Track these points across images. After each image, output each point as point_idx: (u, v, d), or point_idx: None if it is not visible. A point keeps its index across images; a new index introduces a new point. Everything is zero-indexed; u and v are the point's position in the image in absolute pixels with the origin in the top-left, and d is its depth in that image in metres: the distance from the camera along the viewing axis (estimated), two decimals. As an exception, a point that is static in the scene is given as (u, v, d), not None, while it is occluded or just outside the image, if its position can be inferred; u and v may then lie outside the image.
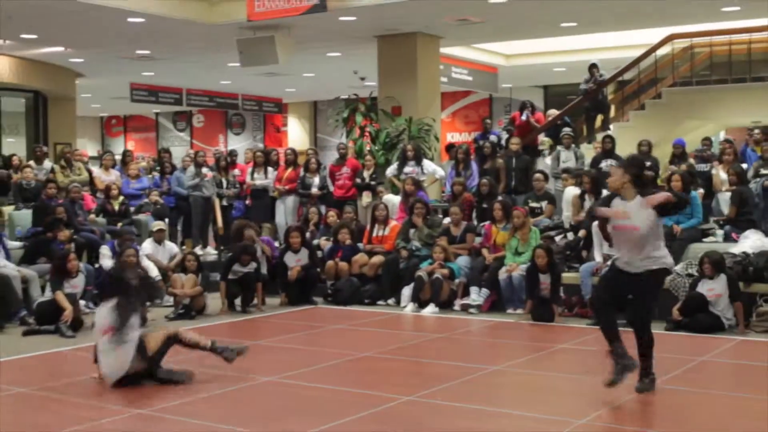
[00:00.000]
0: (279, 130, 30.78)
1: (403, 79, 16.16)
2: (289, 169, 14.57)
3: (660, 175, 13.48)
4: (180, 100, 24.62)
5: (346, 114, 16.64)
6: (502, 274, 10.86)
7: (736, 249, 10.18)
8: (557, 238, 11.58)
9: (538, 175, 12.54)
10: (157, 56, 18.72)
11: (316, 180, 14.34)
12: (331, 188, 14.35)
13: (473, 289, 11.01)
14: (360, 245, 12.33)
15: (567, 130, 14.46)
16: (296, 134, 30.08)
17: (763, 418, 5.94)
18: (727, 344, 8.63)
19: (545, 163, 14.33)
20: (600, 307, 6.59)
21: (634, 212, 6.39)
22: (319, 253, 12.31)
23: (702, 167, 12.95)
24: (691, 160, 13.25)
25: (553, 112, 16.70)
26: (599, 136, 15.02)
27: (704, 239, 10.96)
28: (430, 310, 10.88)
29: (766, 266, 9.71)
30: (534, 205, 12.30)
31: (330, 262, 12.03)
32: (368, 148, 15.89)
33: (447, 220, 12.35)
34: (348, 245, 12.16)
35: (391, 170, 14.13)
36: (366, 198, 14.01)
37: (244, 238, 11.31)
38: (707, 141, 15.14)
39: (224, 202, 14.64)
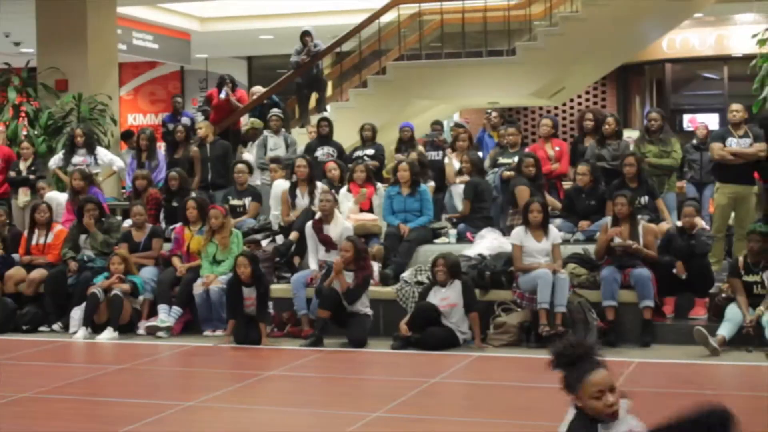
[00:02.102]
0: None
1: (69, 45, 15.74)
2: None
3: (386, 165, 14.01)
4: None
5: (-5, 89, 16.06)
6: (198, 288, 10.86)
7: (471, 251, 10.76)
8: (264, 243, 11.73)
9: (240, 166, 12.63)
10: None
11: (-45, 174, 13.75)
12: (-24, 184, 13.80)
13: (162, 308, 10.94)
14: (15, 256, 11.97)
15: (276, 111, 14.66)
16: (-72, 114, 28.53)
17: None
18: (463, 361, 9.11)
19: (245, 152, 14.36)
20: None
21: None
22: (-40, 268, 11.81)
23: (433, 155, 13.53)
24: (421, 147, 13.82)
25: (259, 89, 16.87)
26: (314, 119, 15.34)
27: (435, 240, 11.49)
28: (108, 335, 10.70)
29: (503, 270, 10.32)
30: (235, 202, 12.38)
31: (-25, 280, 11.58)
32: (25, 133, 15.41)
33: (128, 223, 12.18)
34: (-1, 257, 11.74)
35: (55, 161, 13.77)
36: (23, 196, 13.60)
37: None
38: (438, 125, 15.85)
39: None
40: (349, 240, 10.24)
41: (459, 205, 12.10)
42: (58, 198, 12.99)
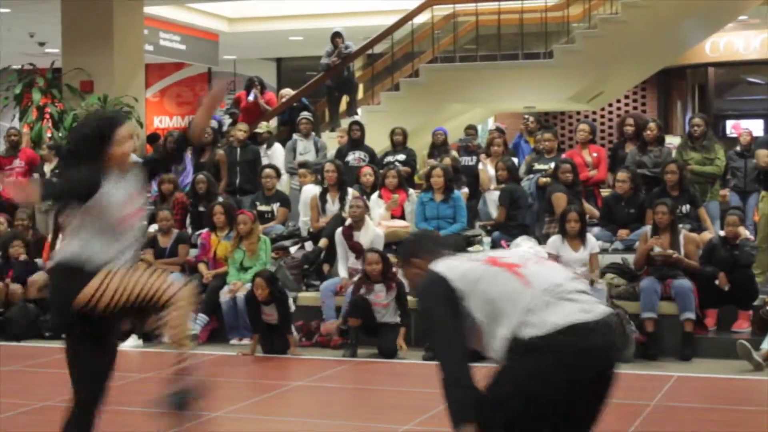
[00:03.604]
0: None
1: (95, 45, 15.81)
2: (-60, 162, 14.00)
3: (418, 171, 13.99)
4: None
5: (19, 89, 16.13)
6: (225, 296, 10.89)
7: (506, 260, 10.70)
8: (293, 249, 11.74)
9: (268, 171, 12.64)
10: None
11: (-22, 176, 13.84)
12: (-1, 187, 13.89)
13: (187, 315, 10.95)
14: (39, 262, 12.04)
15: (305, 114, 14.68)
16: (-50, 116, 28.75)
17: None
18: (496, 374, 9.06)
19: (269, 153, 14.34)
20: None
21: None
22: (-18, 273, 11.90)
23: (467, 161, 13.51)
24: (454, 153, 13.79)
25: (288, 92, 16.90)
26: (345, 123, 15.35)
27: (469, 248, 11.45)
28: (132, 343, 10.74)
29: (538, 280, 10.26)
30: (263, 208, 12.40)
31: (-3, 285, 11.66)
32: (49, 135, 15.49)
33: (153, 228, 12.23)
34: (22, 262, 11.87)
35: (79, 164, 13.81)
36: (46, 200, 13.63)
37: None
38: (472, 129, 15.84)
39: None
40: (375, 252, 10.17)
41: (493, 212, 12.08)
42: (82, 202, 13.02)
